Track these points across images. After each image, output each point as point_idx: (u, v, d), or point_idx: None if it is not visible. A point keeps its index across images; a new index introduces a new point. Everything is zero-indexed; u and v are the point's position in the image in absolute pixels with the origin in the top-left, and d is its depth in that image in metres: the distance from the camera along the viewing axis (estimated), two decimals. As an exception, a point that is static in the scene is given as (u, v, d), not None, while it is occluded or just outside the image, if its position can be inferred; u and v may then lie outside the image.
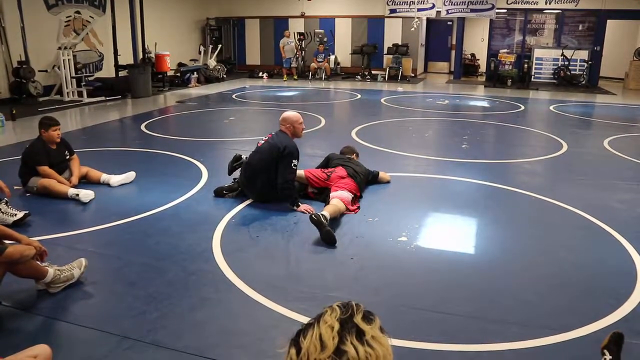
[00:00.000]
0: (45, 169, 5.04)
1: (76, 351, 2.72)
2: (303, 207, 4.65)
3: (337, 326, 1.14)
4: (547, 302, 3.24)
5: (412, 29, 15.79)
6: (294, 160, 4.70)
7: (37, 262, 3.14)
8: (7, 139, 7.78)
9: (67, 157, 5.36)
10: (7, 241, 3.16)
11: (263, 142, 4.96)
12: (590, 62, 15.62)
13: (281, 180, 4.68)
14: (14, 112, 9.05)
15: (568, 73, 15.72)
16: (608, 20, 15.73)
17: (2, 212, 4.31)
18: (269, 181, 4.76)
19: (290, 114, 5.00)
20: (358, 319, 1.16)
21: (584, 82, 15.51)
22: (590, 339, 2.81)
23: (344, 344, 1.11)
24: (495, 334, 2.88)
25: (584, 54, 15.79)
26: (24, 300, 3.19)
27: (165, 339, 2.78)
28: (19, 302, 3.16)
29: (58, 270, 3.24)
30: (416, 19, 15.38)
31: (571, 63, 15.74)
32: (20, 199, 4.92)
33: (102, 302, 3.27)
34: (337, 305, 1.20)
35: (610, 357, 2.44)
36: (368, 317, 1.18)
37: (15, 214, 4.32)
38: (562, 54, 15.72)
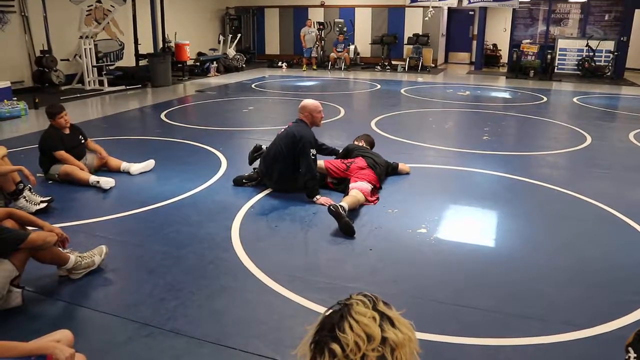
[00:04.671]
0: (62, 153, 5.09)
1: (97, 337, 2.76)
2: (322, 199, 4.62)
3: (378, 317, 1.15)
4: (569, 297, 3.19)
5: (427, 18, 15.60)
6: (312, 150, 4.69)
7: (59, 248, 3.19)
8: (30, 127, 7.89)
9: (82, 141, 5.42)
10: (30, 228, 3.20)
11: (283, 130, 4.96)
12: (616, 53, 15.26)
13: (304, 170, 4.66)
14: (36, 100, 9.17)
15: (593, 64, 15.39)
16: (636, 10, 15.33)
17: (26, 200, 4.37)
18: (286, 169, 4.76)
19: (309, 102, 4.97)
20: (382, 307, 1.19)
21: (609, 74, 15.19)
22: (613, 335, 2.75)
23: (384, 332, 1.14)
24: (516, 329, 2.84)
25: (609, 45, 15.43)
26: (46, 285, 3.24)
27: (184, 327, 2.80)
28: (42, 288, 3.22)
29: (79, 257, 3.29)
30: (430, 9, 15.18)
31: (596, 54, 15.41)
32: (42, 186, 4.99)
33: (122, 289, 3.31)
34: (361, 297, 1.20)
35: (635, 355, 2.38)
36: (387, 304, 1.22)
37: (39, 202, 4.39)
38: (587, 45, 15.39)
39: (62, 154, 5.10)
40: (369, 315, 1.14)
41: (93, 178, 5.00)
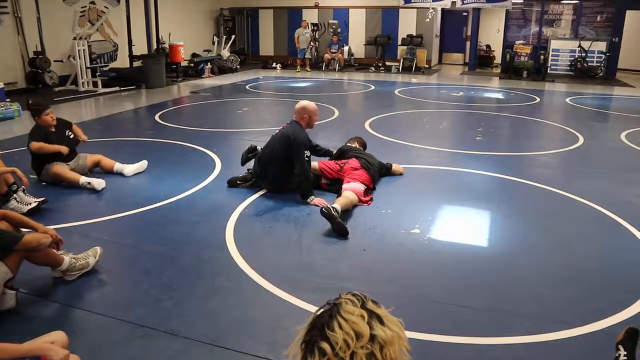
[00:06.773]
0: (34, 144, 4.90)
1: (91, 338, 2.76)
2: (316, 200, 4.63)
3: (366, 315, 1.17)
4: (561, 296, 3.22)
5: (427, 20, 15.62)
6: (306, 152, 4.70)
7: (53, 250, 3.19)
8: (24, 128, 7.83)
9: (71, 135, 5.31)
10: (24, 229, 3.20)
11: (277, 132, 4.97)
12: (608, 54, 15.37)
13: (298, 171, 4.67)
14: (30, 102, 9.09)
15: (585, 65, 15.49)
16: (627, 11, 15.44)
17: (18, 201, 4.37)
18: (281, 171, 4.78)
19: (308, 104, 4.96)
20: (371, 305, 1.21)
21: (601, 74, 15.28)
22: (604, 333, 2.78)
23: (373, 329, 1.16)
24: (508, 327, 2.87)
25: (602, 45, 15.53)
26: (40, 287, 3.24)
27: (179, 327, 2.81)
28: (36, 289, 3.21)
29: (74, 258, 3.29)
30: (431, 10, 15.20)
31: (588, 54, 15.50)
32: (36, 188, 4.97)
33: (116, 290, 3.32)
34: (350, 296, 1.22)
35: (625, 352, 2.42)
36: (376, 302, 1.23)
37: (31, 203, 4.37)
38: (580, 45, 15.48)
39: (34, 144, 4.90)
40: (357, 313, 1.16)
41: (84, 179, 4.98)
